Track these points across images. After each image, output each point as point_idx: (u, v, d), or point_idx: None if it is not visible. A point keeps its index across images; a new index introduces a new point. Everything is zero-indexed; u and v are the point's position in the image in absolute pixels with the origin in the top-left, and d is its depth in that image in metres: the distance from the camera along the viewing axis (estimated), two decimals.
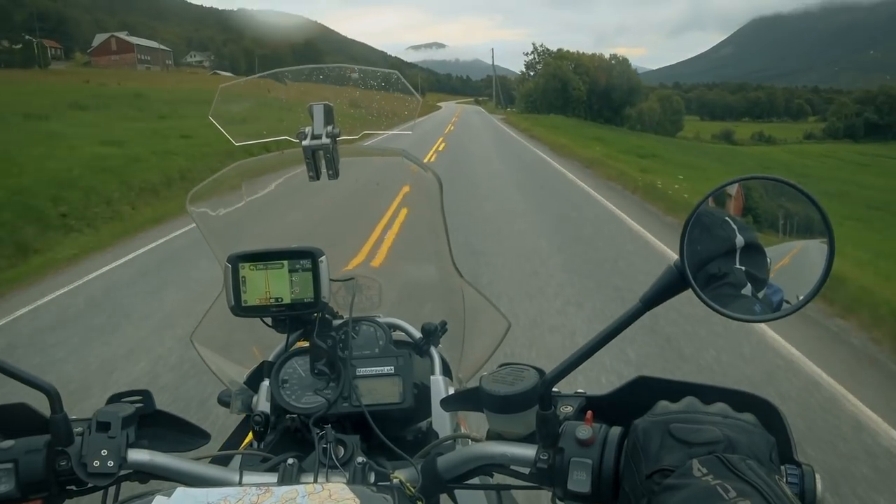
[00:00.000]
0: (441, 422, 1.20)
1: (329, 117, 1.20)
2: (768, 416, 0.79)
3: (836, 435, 3.68)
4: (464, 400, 0.95)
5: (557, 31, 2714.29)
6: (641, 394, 0.85)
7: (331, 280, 1.14)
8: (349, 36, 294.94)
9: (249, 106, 1.45)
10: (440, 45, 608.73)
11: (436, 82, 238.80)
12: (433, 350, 1.31)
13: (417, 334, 1.33)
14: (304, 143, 1.19)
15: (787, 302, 0.82)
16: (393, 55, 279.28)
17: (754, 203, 0.88)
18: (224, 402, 1.25)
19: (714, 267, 0.85)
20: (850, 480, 3.22)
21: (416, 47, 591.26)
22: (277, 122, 1.31)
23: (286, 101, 1.42)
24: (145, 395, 0.97)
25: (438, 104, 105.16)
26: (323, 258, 1.12)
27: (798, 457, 0.76)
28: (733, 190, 0.86)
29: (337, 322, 1.25)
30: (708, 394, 0.81)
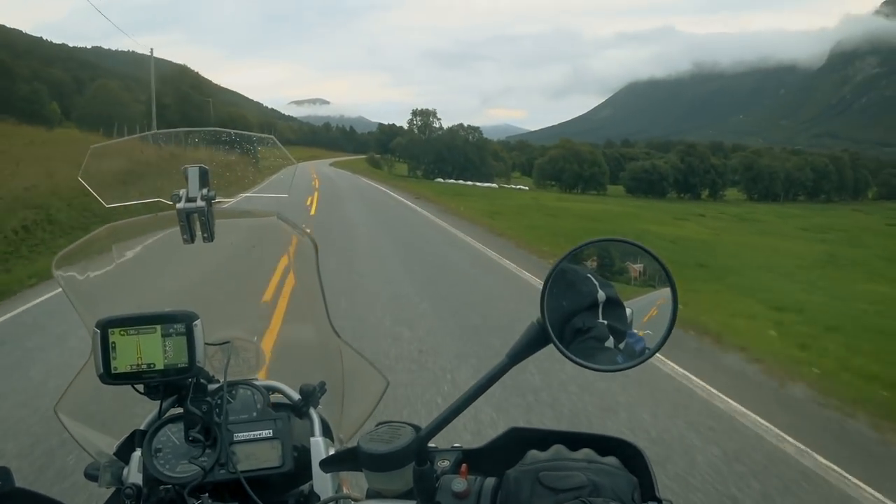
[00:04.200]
0: (322, 484, 1.17)
1: (204, 180, 1.20)
2: (631, 457, 0.84)
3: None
4: (343, 460, 0.96)
5: (444, 91, 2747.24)
6: (514, 445, 0.89)
7: (206, 344, 1.12)
8: (229, 87, 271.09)
9: (122, 167, 1.43)
10: (324, 102, 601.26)
11: (310, 134, 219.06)
12: (312, 411, 1.28)
13: (296, 396, 1.30)
14: (179, 205, 1.18)
15: (648, 348, 0.91)
16: (270, 107, 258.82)
17: (610, 261, 0.96)
18: (91, 475, 1.19)
19: (579, 321, 0.91)
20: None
21: (299, 102, 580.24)
22: (151, 183, 1.32)
23: (160, 162, 1.41)
24: (3, 473, 0.93)
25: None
26: (198, 322, 1.10)
27: (659, 494, 0.80)
28: (591, 250, 0.95)
29: (212, 387, 1.21)
30: (575, 441, 0.86)
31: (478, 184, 78.62)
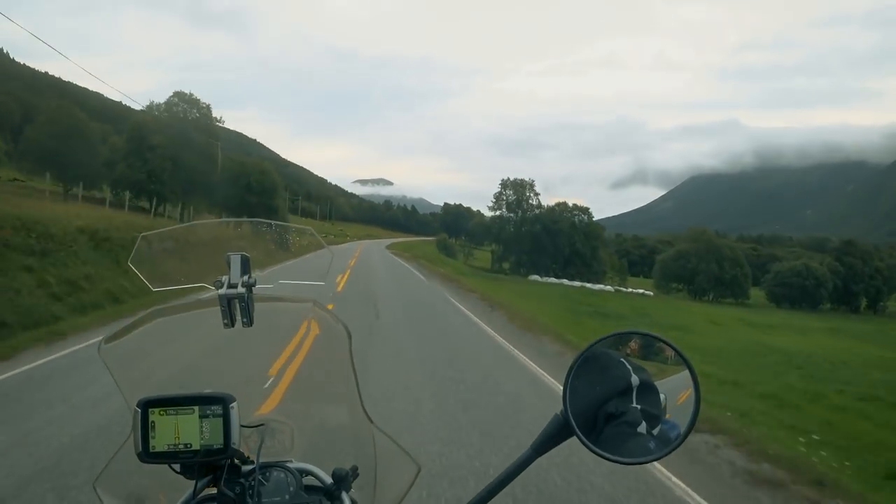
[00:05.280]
0: None
1: (245, 267, 1.26)
2: None
3: None
4: None
5: (501, 178, 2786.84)
6: None
7: (241, 426, 1.15)
8: (297, 163, 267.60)
9: (169, 253, 1.53)
10: (387, 182, 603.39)
11: (369, 211, 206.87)
12: (344, 495, 1.28)
13: (329, 480, 1.30)
14: (221, 291, 1.24)
15: (680, 434, 0.93)
16: (334, 184, 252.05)
17: (641, 352, 1.00)
18: None
19: (612, 406, 0.92)
20: None
21: (363, 181, 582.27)
22: (196, 269, 1.41)
23: (205, 249, 1.53)
24: None
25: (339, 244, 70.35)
26: (234, 404, 1.13)
27: None
28: (622, 340, 1.00)
29: (246, 468, 1.23)
30: None
31: (587, 285, 64.41)
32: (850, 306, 75.57)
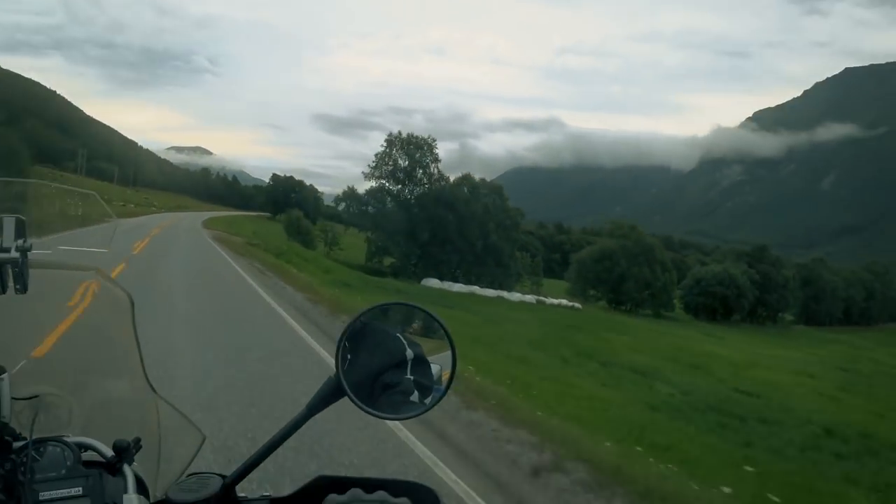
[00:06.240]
0: None
1: (20, 231, 1.18)
2: (425, 499, 0.93)
3: None
4: None
5: (329, 156, 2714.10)
6: (319, 491, 0.96)
7: (13, 398, 1.11)
8: (104, 121, 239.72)
9: None
10: (206, 152, 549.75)
11: (184, 180, 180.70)
12: (126, 468, 1.22)
13: (110, 453, 1.24)
14: None
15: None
16: (146, 148, 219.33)
17: (405, 321, 1.08)
18: None
19: (388, 377, 1.00)
20: None
21: (179, 149, 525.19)
22: None
23: None
24: None
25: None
26: (4, 376, 1.08)
27: None
28: (401, 310, 1.10)
29: (18, 444, 1.16)
30: (373, 485, 0.93)
31: (504, 294, 50.50)
32: (757, 319, 68.53)
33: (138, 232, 31.33)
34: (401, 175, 60.35)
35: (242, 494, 0.98)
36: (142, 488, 1.22)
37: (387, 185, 60.84)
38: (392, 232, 57.09)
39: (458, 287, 49.87)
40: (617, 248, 60.80)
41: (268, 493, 1.00)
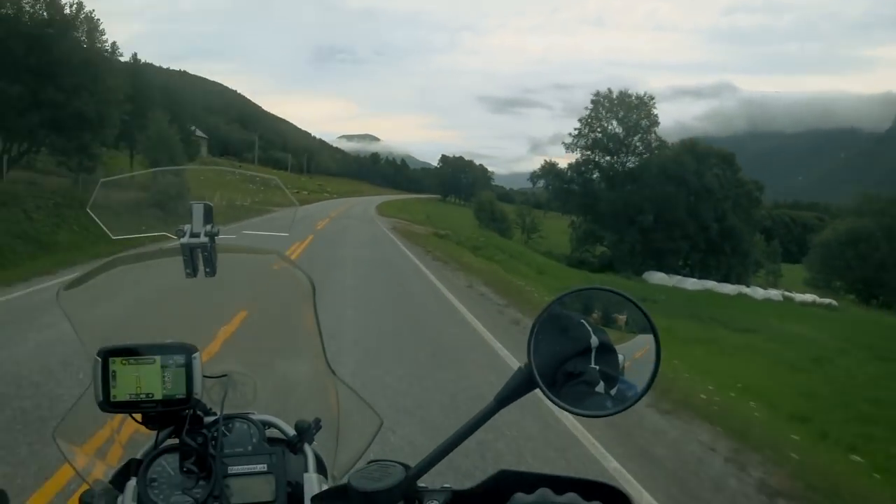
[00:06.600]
0: None
1: (208, 216, 1.24)
2: (616, 502, 0.87)
3: None
4: (334, 497, 0.99)
5: (491, 137, 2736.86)
6: (502, 487, 0.92)
7: (204, 377, 1.15)
8: (280, 115, 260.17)
9: (130, 200, 1.52)
10: (374, 138, 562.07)
11: (355, 166, 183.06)
12: (307, 447, 1.28)
13: (291, 432, 1.30)
14: (183, 240, 1.22)
15: (636, 394, 0.94)
16: (319, 138, 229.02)
17: (599, 308, 1.01)
18: (86, 503, 1.17)
19: (571, 366, 0.94)
20: None
21: (350, 137, 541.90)
22: (157, 218, 1.41)
23: (168, 197, 1.49)
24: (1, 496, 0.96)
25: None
26: (196, 354, 1.13)
27: None
28: (581, 296, 1.00)
29: (209, 419, 1.22)
30: (562, 484, 0.87)
31: (745, 289, 40.27)
32: None
33: (306, 224, 26.91)
34: (611, 144, 50.48)
35: (422, 485, 0.95)
36: (320, 468, 1.27)
37: (595, 155, 51.25)
38: (603, 214, 47.60)
39: (692, 283, 40.12)
40: (872, 227, 46.92)
41: (448, 486, 0.97)
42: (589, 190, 50.35)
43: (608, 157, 50.53)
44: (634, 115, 49.31)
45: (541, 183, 58.44)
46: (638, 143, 49.85)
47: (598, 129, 50.96)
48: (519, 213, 61.92)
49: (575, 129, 52.16)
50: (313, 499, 1.05)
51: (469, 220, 57.42)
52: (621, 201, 46.49)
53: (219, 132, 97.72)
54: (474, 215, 60.25)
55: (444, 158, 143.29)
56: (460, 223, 47.98)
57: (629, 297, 0.96)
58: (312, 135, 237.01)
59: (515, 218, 61.20)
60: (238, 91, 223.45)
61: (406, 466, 0.94)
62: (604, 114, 50.50)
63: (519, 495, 0.84)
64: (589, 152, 51.43)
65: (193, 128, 47.05)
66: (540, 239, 57.25)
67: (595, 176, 51.17)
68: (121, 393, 1.09)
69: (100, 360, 1.09)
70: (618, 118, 49.79)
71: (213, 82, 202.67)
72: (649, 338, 0.95)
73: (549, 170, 55.41)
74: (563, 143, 52.47)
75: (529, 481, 0.89)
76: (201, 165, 32.65)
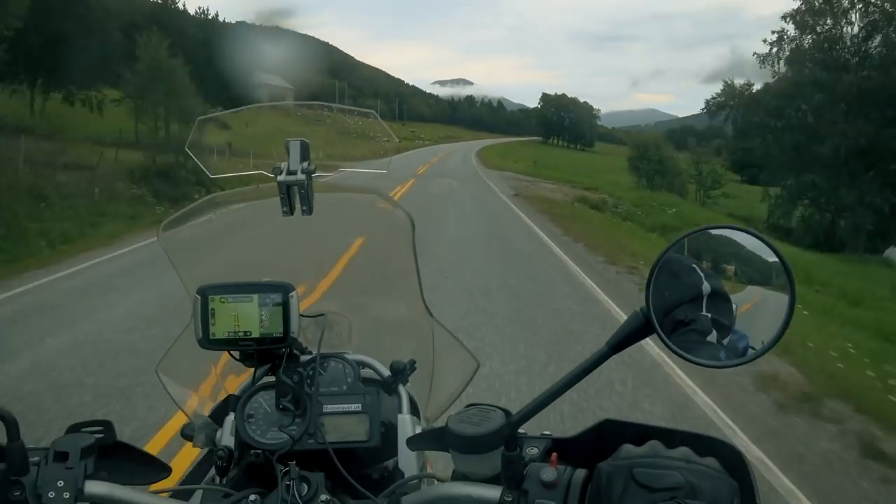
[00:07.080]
0: (407, 461, 1.19)
1: (305, 154, 1.22)
2: (732, 461, 0.81)
3: None
4: (430, 439, 0.97)
5: (589, 75, 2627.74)
6: (607, 437, 0.89)
7: (301, 315, 1.15)
8: (373, 64, 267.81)
9: (226, 139, 1.74)
10: (467, 82, 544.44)
11: (448, 110, 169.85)
12: (401, 389, 1.30)
13: (386, 372, 1.33)
14: (280, 178, 1.21)
15: (752, 348, 0.86)
16: (412, 85, 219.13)
17: (717, 250, 0.91)
18: (187, 435, 1.22)
19: (681, 313, 0.88)
20: None
21: (443, 82, 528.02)
22: (253, 156, 1.61)
23: (263, 135, 1.49)
24: (106, 426, 0.97)
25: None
26: (293, 293, 1.13)
27: (760, 503, 0.77)
28: (699, 238, 0.91)
29: (305, 358, 1.22)
30: (672, 438, 0.83)
31: None
32: None
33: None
34: (842, 54, 32.87)
35: (522, 431, 0.92)
36: (414, 409, 1.28)
37: (808, 72, 33.81)
38: (825, 163, 31.05)
39: None
40: None
41: (548, 433, 0.95)
42: (802, 124, 33.52)
43: (824, 74, 33.06)
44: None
45: (721, 117, 42.04)
46: (879, 51, 32.21)
47: (823, 28, 33.52)
48: (696, 164, 46.08)
49: (773, 31, 34.95)
50: (409, 440, 1.06)
51: (602, 169, 48.32)
52: (858, 142, 29.62)
53: (307, 83, 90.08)
54: (629, 165, 47.82)
55: (544, 97, 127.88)
56: (599, 175, 38.74)
57: (763, 238, 0.87)
58: (406, 82, 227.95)
59: (687, 168, 45.80)
60: (330, 43, 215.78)
61: (506, 412, 0.91)
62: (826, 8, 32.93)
63: (627, 447, 0.81)
64: (801, 66, 34.11)
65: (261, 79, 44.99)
66: (723, 199, 41.82)
67: (813, 103, 33.85)
68: (219, 331, 1.10)
69: (199, 298, 1.10)
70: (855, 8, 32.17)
71: (306, 35, 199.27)
72: (759, 290, 0.88)
73: (738, 94, 38.48)
74: (754, 53, 35.75)
75: (636, 432, 0.85)
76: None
